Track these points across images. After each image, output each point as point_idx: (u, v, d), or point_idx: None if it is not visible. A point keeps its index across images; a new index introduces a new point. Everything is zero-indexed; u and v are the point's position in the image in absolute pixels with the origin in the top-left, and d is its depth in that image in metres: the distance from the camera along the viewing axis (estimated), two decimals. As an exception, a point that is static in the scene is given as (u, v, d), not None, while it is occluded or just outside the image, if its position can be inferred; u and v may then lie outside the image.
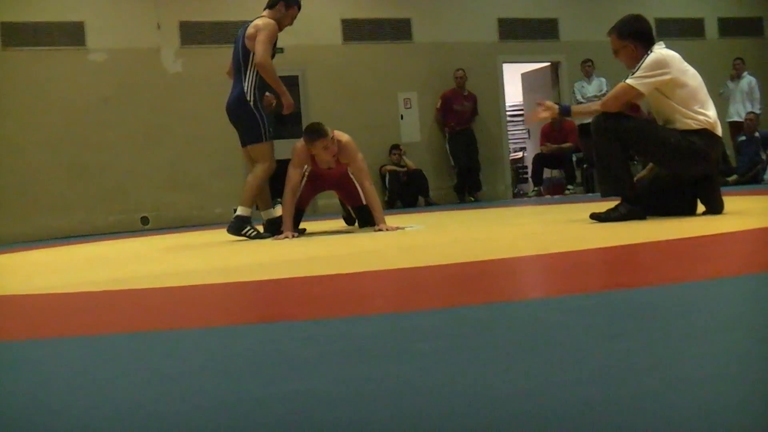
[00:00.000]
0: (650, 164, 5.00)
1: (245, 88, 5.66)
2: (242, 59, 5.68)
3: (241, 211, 5.68)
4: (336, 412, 1.12)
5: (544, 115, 4.92)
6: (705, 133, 4.44)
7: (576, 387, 1.14)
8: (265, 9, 5.82)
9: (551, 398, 1.10)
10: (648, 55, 4.49)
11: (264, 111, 5.73)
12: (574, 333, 1.53)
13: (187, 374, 1.45)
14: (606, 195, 4.75)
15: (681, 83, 4.44)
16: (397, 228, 5.41)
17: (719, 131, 4.53)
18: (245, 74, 5.66)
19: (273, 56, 5.75)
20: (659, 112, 4.63)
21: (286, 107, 5.72)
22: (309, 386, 1.26)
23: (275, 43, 5.73)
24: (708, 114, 4.46)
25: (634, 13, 4.84)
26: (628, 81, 4.49)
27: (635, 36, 4.59)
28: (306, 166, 5.72)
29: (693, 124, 4.43)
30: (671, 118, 4.51)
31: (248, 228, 5.64)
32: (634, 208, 4.48)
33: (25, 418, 1.23)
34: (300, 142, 5.63)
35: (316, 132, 5.51)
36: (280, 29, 5.79)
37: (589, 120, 11.79)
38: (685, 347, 1.36)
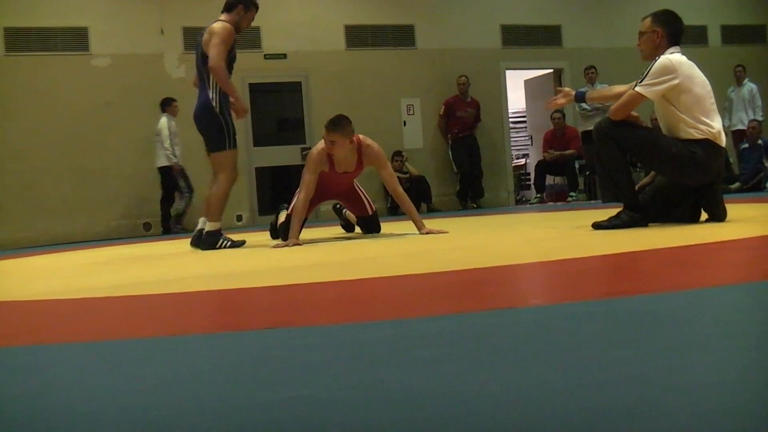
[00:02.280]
0: (653, 172, 5.00)
1: (210, 95, 5.54)
2: (203, 66, 5.56)
3: (210, 227, 5.59)
4: (337, 418, 1.12)
5: (561, 101, 4.97)
6: (707, 144, 4.42)
7: (577, 394, 1.14)
8: (222, 12, 5.72)
9: (552, 405, 1.10)
10: (656, 60, 4.50)
11: (230, 118, 5.66)
12: (575, 340, 1.53)
13: (190, 380, 1.45)
14: (607, 201, 4.74)
15: (686, 88, 4.43)
16: (441, 231, 5.39)
17: (723, 142, 4.51)
18: (208, 81, 5.54)
19: (232, 62, 5.63)
20: (663, 118, 4.63)
21: (239, 111, 5.65)
22: (311, 392, 1.26)
23: (233, 47, 5.62)
24: (712, 124, 4.43)
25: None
26: (637, 89, 4.49)
27: (668, 26, 4.60)
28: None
29: (696, 134, 4.42)
30: (674, 126, 4.51)
31: (222, 240, 5.58)
32: (635, 215, 4.48)
33: (27, 423, 1.23)
34: (315, 148, 5.57)
35: (338, 122, 5.42)
36: (238, 32, 5.69)
37: (591, 126, 11.78)
38: (687, 355, 1.36)
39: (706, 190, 4.53)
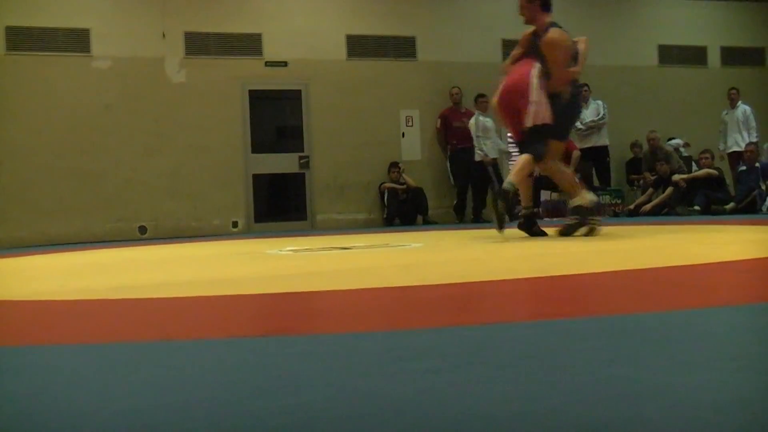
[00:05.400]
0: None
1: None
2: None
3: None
4: (330, 427, 1.12)
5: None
6: None
7: (570, 411, 1.14)
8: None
9: (545, 421, 1.10)
10: None
11: None
12: (570, 356, 1.53)
13: (183, 385, 1.45)
14: None
15: None
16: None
17: None
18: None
19: None
20: None
21: None
22: (304, 400, 1.26)
23: None
24: None
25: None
26: None
27: None
28: None
29: None
30: None
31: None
32: None
33: (18, 423, 1.23)
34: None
35: None
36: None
37: (589, 144, 11.75)
38: (680, 374, 1.36)
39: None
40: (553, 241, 5.62)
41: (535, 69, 5.61)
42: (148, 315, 2.57)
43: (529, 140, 5.67)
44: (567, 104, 5.64)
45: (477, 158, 11.45)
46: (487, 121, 11.46)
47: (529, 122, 5.59)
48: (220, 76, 11.14)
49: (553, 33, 5.64)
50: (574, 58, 5.63)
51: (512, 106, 5.75)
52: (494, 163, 11.50)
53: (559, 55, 5.58)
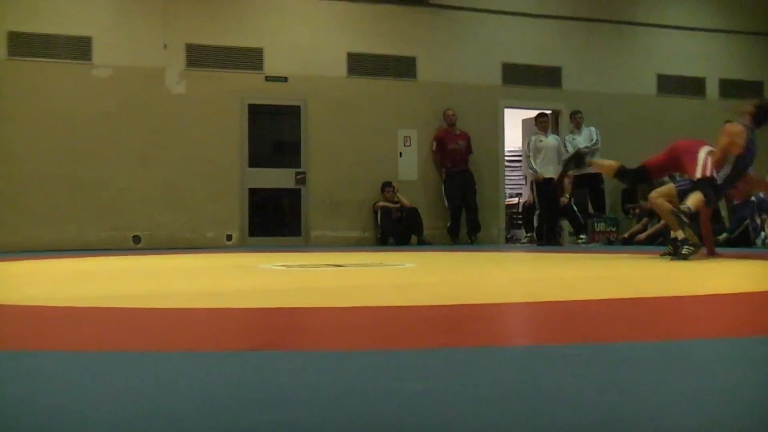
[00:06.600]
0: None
1: None
2: None
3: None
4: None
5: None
6: None
7: (560, 438, 1.14)
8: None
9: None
10: None
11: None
12: (560, 382, 1.53)
13: (172, 398, 1.44)
14: None
15: None
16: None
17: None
18: None
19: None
20: None
21: None
22: (292, 417, 1.26)
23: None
24: None
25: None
26: None
27: None
28: None
29: None
30: None
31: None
32: None
33: (8, 430, 1.22)
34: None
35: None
36: None
37: (583, 171, 11.72)
38: (667, 403, 1.36)
39: None
40: (547, 267, 5.63)
41: (707, 146, 6.52)
42: (139, 325, 2.56)
43: (703, 184, 6.39)
44: (720, 182, 6.48)
45: (530, 178, 11.63)
46: (541, 142, 11.45)
47: (698, 173, 6.39)
48: (220, 89, 11.17)
49: (731, 125, 6.54)
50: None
51: (675, 154, 6.73)
52: (549, 180, 11.10)
53: (722, 140, 6.46)
